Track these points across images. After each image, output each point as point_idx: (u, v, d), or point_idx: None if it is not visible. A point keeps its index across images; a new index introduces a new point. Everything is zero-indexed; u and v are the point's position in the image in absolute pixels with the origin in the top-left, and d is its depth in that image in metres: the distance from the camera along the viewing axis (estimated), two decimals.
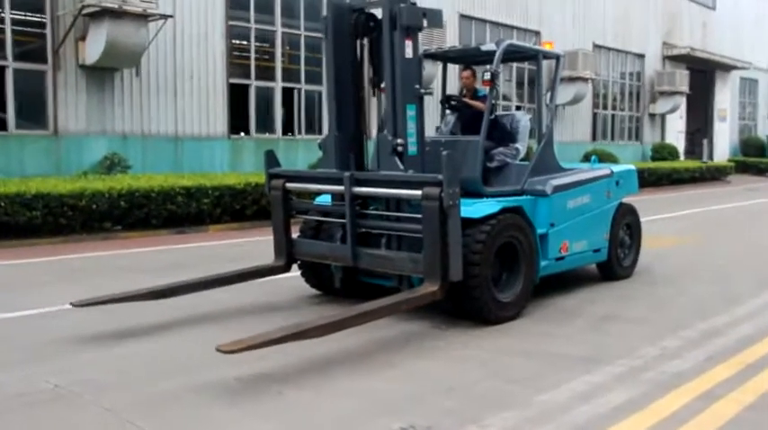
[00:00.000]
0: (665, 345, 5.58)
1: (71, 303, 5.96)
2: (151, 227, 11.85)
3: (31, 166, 13.02)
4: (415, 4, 6.23)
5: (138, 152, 14.44)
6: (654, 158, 28.31)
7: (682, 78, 29.93)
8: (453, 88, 8.49)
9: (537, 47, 7.96)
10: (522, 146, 7.50)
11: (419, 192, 5.68)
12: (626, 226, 8.31)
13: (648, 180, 22.72)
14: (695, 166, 26.31)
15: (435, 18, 6.32)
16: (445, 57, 8.07)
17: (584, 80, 24.41)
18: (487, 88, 7.03)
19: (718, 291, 7.68)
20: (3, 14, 13.08)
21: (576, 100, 24.60)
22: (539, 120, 7.60)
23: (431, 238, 5.64)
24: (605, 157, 22.21)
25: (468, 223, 5.90)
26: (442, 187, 5.49)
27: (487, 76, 6.77)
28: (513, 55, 7.71)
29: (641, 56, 29.75)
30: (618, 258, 8.12)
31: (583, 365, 5.07)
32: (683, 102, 31.13)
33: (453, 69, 9.62)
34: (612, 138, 28.49)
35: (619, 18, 28.18)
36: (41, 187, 10.71)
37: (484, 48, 7.30)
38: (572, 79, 23.98)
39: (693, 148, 33.80)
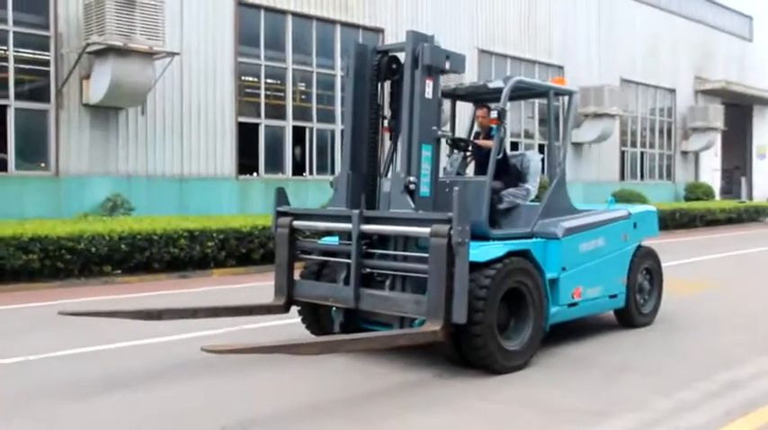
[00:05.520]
0: (681, 398, 5.51)
1: (58, 312, 6.21)
2: (153, 271, 11.97)
3: (30, 208, 13.26)
4: (438, 45, 6.48)
5: (143, 193, 14.66)
6: (687, 198, 28.21)
7: (716, 113, 29.94)
8: (462, 126, 8.56)
9: (548, 83, 8.01)
10: (532, 186, 7.53)
11: (428, 230, 5.77)
12: (645, 270, 8.25)
13: (680, 221, 22.64)
14: (731, 207, 26.15)
15: (458, 62, 6.62)
16: (454, 94, 8.15)
17: (611, 116, 24.49)
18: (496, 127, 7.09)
19: (745, 341, 7.58)
20: (6, 52, 13.45)
21: (602, 138, 24.66)
22: (550, 159, 7.63)
23: (436, 277, 5.71)
24: (634, 197, 22.21)
25: (473, 267, 5.88)
26: (452, 225, 5.57)
27: (494, 114, 6.85)
28: (522, 92, 7.77)
29: (672, 90, 29.84)
30: (637, 304, 8.06)
31: (589, 418, 5.02)
32: (717, 138, 31.08)
33: (463, 107, 9.70)
34: (642, 178, 28.46)
35: (648, 52, 28.33)
36: (39, 229, 10.89)
37: (491, 85, 7.38)
38: (598, 115, 24.10)
39: (731, 187, 33.66)
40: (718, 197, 30.51)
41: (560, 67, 24.51)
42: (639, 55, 28.01)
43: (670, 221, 22.05)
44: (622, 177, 27.30)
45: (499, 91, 7.06)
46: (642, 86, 28.50)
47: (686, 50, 30.53)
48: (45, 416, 5.04)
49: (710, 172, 31.71)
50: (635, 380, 6.08)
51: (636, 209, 8.37)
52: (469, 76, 19.69)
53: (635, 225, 8.06)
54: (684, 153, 30.53)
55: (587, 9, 25.78)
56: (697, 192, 28.51)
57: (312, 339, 5.16)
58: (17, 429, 4.77)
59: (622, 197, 22.75)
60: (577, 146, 24.72)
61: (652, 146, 29.34)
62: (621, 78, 26.97)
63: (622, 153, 27.52)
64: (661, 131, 29.79)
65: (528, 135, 23.63)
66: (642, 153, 28.79)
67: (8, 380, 6.01)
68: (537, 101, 22.55)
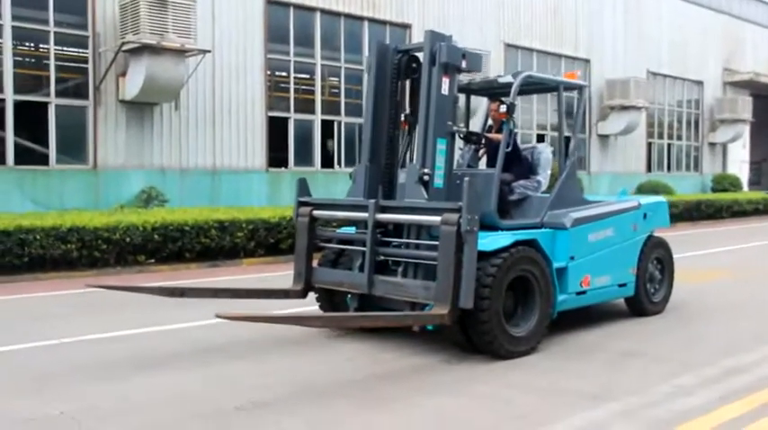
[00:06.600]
0: (680, 383, 5.57)
1: (86, 285, 6.80)
2: (184, 260, 12.24)
3: (70, 200, 13.62)
4: (456, 45, 6.66)
5: (176, 185, 14.95)
6: (714, 190, 27.90)
7: (744, 105, 29.51)
8: (477, 120, 8.65)
9: (557, 78, 8.04)
10: (543, 178, 7.60)
11: (439, 219, 5.93)
12: (656, 260, 8.27)
13: (706, 212, 22.38)
14: (758, 198, 25.78)
15: (474, 61, 6.77)
16: (468, 89, 8.24)
17: (638, 109, 24.28)
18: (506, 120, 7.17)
19: (753, 329, 7.59)
20: (48, 52, 13.81)
21: (628, 130, 24.47)
22: (559, 151, 7.69)
23: (445, 263, 5.85)
24: (660, 188, 22.05)
25: (480, 256, 6.00)
26: (461, 213, 5.71)
27: (503, 108, 6.93)
28: (533, 86, 7.84)
29: (699, 82, 29.44)
30: (647, 293, 8.09)
31: (588, 401, 5.11)
32: (746, 130, 30.63)
33: (480, 101, 9.77)
34: (669, 169, 28.16)
35: (675, 44, 27.97)
36: (77, 220, 11.22)
37: (502, 80, 7.46)
38: (624, 108, 23.92)
39: (759, 179, 33.17)
40: (745, 188, 30.11)
41: (587, 61, 24.35)
42: (666, 47, 27.68)
43: (695, 212, 21.84)
44: (649, 169, 27.05)
45: (509, 86, 7.13)
46: (669, 79, 28.18)
47: (714, 42, 30.06)
48: (78, 394, 5.27)
49: (738, 163, 31.27)
50: (639, 366, 6.14)
51: (646, 200, 8.38)
52: (496, 70, 19.74)
53: (645, 215, 8.08)
54: (712, 145, 30.14)
55: (614, 2, 25.54)
56: (724, 183, 28.18)
57: (320, 314, 5.31)
58: (52, 406, 4.99)
59: (649, 188, 22.60)
60: (604, 138, 24.59)
61: (679, 137, 29.02)
62: (648, 71, 26.70)
63: (649, 145, 27.26)
64: (688, 123, 29.45)
65: (554, 128, 23.51)
66: (669, 145, 28.48)
67: (45, 360, 6.26)
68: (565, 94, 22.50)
